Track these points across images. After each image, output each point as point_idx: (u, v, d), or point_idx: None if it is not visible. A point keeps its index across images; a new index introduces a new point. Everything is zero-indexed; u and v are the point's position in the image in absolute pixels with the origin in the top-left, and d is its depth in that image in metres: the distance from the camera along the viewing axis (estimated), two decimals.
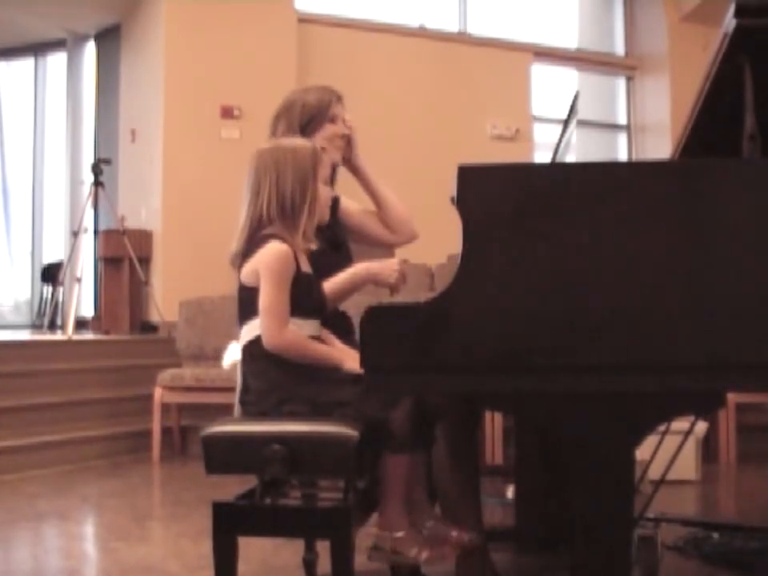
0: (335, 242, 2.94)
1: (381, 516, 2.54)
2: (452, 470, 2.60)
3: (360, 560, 2.54)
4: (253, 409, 2.53)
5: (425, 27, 9.24)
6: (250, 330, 2.54)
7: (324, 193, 2.66)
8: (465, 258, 2.03)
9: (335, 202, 2.98)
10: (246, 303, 2.56)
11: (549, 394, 2.03)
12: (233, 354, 2.67)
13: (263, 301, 2.48)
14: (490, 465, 5.32)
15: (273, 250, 2.50)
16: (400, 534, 2.50)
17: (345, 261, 2.94)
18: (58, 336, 7.53)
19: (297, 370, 2.47)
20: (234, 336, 2.65)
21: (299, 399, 2.45)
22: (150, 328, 7.84)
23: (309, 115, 2.96)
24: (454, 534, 2.52)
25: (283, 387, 2.47)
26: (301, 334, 2.52)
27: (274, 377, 2.48)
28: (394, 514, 2.51)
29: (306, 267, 2.60)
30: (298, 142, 2.67)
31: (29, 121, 10.60)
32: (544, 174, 2.14)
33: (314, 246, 2.66)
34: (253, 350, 2.53)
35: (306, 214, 2.56)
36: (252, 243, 2.55)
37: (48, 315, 8.49)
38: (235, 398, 2.64)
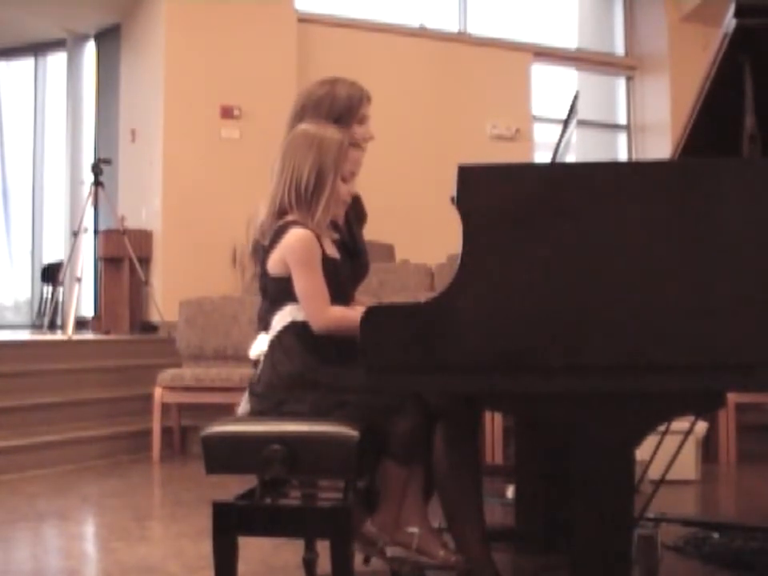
0: (352, 250, 2.85)
1: (377, 515, 2.54)
2: (452, 470, 2.59)
3: (360, 560, 2.55)
4: (259, 401, 2.53)
5: (425, 27, 9.24)
6: (281, 319, 2.53)
7: (343, 189, 2.64)
8: (465, 257, 2.03)
9: (355, 200, 2.87)
10: (275, 294, 2.56)
11: (548, 394, 2.03)
12: (260, 345, 2.67)
13: (300, 289, 2.48)
14: (490, 465, 5.32)
15: (295, 237, 2.50)
16: (419, 531, 2.51)
17: (361, 270, 2.91)
18: (58, 336, 7.52)
19: (305, 372, 2.47)
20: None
21: (299, 399, 2.45)
22: (150, 328, 7.84)
23: (337, 113, 2.83)
24: (441, 553, 2.51)
25: (288, 386, 2.47)
26: (343, 308, 2.53)
27: (284, 372, 2.48)
28: (391, 515, 2.52)
29: (331, 251, 2.60)
30: (329, 131, 2.63)
31: (29, 121, 10.60)
32: (544, 174, 2.14)
33: (335, 236, 2.65)
34: (283, 339, 2.52)
35: (321, 205, 2.55)
36: (274, 233, 2.55)
37: (48, 315, 8.49)
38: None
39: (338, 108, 2.86)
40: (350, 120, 2.84)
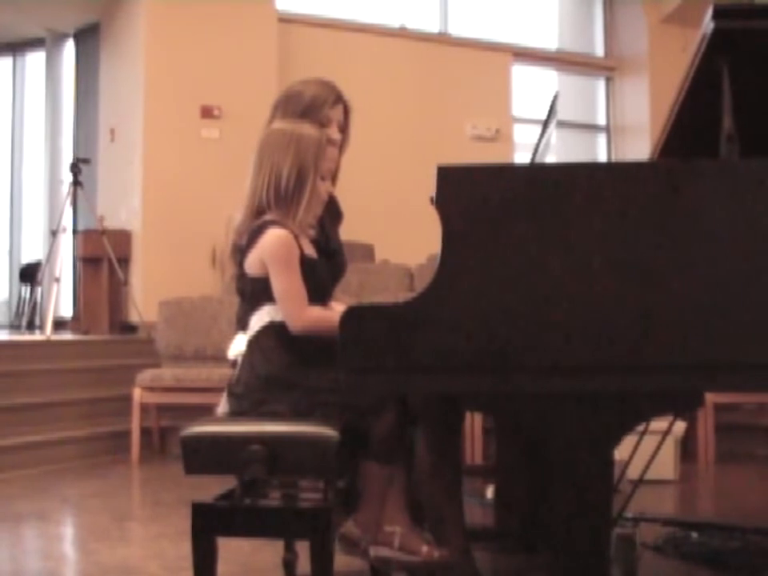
0: (327, 250, 2.83)
1: (359, 515, 2.54)
2: (434, 470, 2.60)
3: (340, 560, 2.54)
4: (237, 401, 2.52)
5: (405, 27, 9.24)
6: (259, 319, 2.52)
7: (322, 188, 2.62)
8: (444, 258, 2.03)
9: (330, 199, 2.84)
10: (253, 294, 2.55)
11: (527, 394, 2.03)
12: (238, 346, 2.66)
13: (278, 289, 2.47)
14: (470, 465, 5.33)
15: (273, 237, 2.48)
16: (401, 530, 2.51)
17: (338, 270, 2.90)
18: (37, 336, 7.47)
19: (284, 373, 2.47)
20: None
21: (278, 400, 2.45)
22: (129, 328, 7.81)
23: (300, 111, 2.82)
24: (425, 549, 2.50)
25: (267, 387, 2.46)
26: (321, 309, 2.52)
27: (263, 373, 2.47)
28: (373, 515, 2.52)
29: (309, 251, 2.58)
30: (306, 128, 2.62)
31: (7, 120, 10.54)
32: (523, 174, 2.15)
33: (311, 233, 2.64)
34: (261, 339, 2.52)
35: (303, 204, 2.53)
36: (251, 232, 2.53)
37: (26, 315, 8.44)
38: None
39: (301, 106, 2.84)
40: (312, 120, 2.79)
